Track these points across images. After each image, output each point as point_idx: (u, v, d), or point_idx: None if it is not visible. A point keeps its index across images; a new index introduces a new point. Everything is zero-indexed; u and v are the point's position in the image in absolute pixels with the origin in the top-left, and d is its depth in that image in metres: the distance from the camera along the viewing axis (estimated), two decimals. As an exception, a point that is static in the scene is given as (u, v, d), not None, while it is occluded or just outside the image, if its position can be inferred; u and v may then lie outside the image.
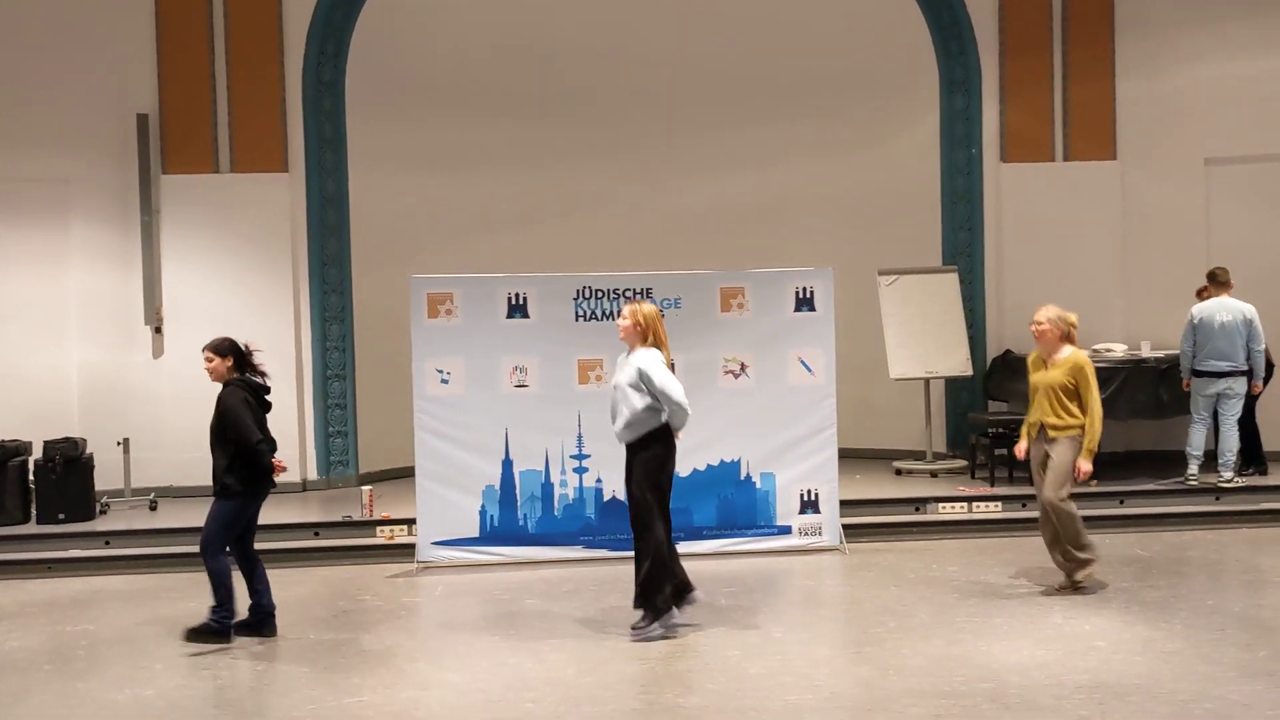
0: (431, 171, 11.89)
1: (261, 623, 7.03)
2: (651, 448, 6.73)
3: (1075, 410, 7.39)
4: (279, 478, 7.07)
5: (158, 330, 10.92)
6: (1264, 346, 9.82)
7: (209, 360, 7.00)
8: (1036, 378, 7.58)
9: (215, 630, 6.87)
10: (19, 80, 10.80)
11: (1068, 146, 11.50)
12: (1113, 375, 10.03)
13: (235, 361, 7.01)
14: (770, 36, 11.94)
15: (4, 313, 10.87)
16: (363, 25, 11.31)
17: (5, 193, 10.80)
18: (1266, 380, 10.02)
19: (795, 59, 11.97)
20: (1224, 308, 9.84)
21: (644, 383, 6.66)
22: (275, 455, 6.97)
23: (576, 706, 5.66)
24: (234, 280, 11.03)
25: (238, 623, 6.96)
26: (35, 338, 10.91)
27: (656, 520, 6.72)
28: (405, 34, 11.51)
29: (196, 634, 6.85)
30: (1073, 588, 7.49)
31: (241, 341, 7.12)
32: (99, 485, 10.16)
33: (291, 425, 11.05)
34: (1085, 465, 7.37)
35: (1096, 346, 10.81)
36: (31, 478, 9.83)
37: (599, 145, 12.14)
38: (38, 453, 9.90)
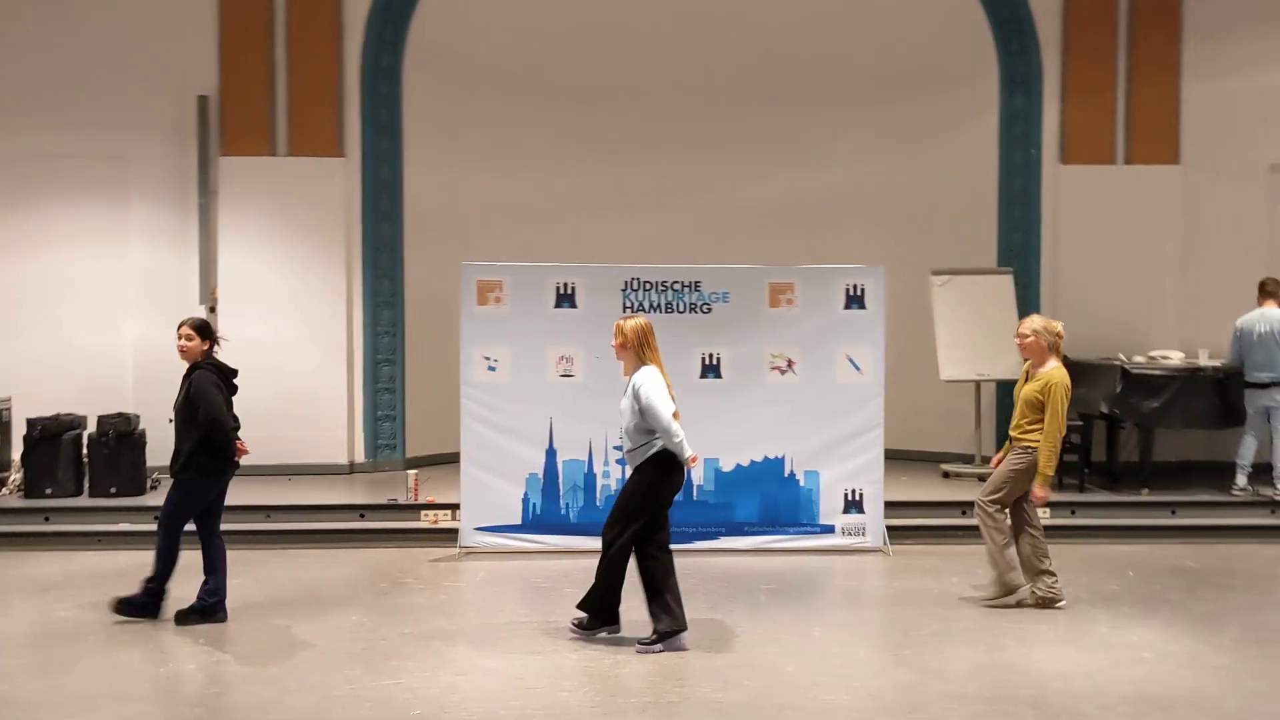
0: (485, 160, 11.94)
1: (208, 609, 6.95)
2: (644, 471, 6.49)
3: (1039, 428, 7.19)
4: (244, 455, 7.07)
5: (211, 310, 11.05)
6: None
7: (189, 339, 7.00)
8: (1018, 389, 7.44)
9: (141, 605, 6.92)
10: (84, 60, 10.99)
11: (1129, 149, 11.31)
12: (1168, 383, 9.85)
13: (211, 345, 7.06)
14: (828, 32, 11.85)
15: (63, 288, 11.08)
16: (421, 11, 11.37)
17: (67, 170, 11.00)
18: None
19: (853, 55, 11.87)
20: (1264, 318, 9.65)
21: (636, 401, 6.44)
22: (239, 439, 6.99)
23: (612, 697, 5.65)
24: (288, 263, 11.15)
25: (186, 610, 6.94)
26: (93, 314, 11.11)
27: (626, 535, 6.48)
28: (463, 21, 11.55)
29: (124, 606, 6.94)
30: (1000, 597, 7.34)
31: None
32: (150, 461, 10.30)
33: (341, 408, 11.19)
34: (1038, 491, 7.18)
35: (1152, 353, 10.64)
36: (85, 451, 9.99)
37: (654, 138, 12.12)
38: (92, 427, 10.06)
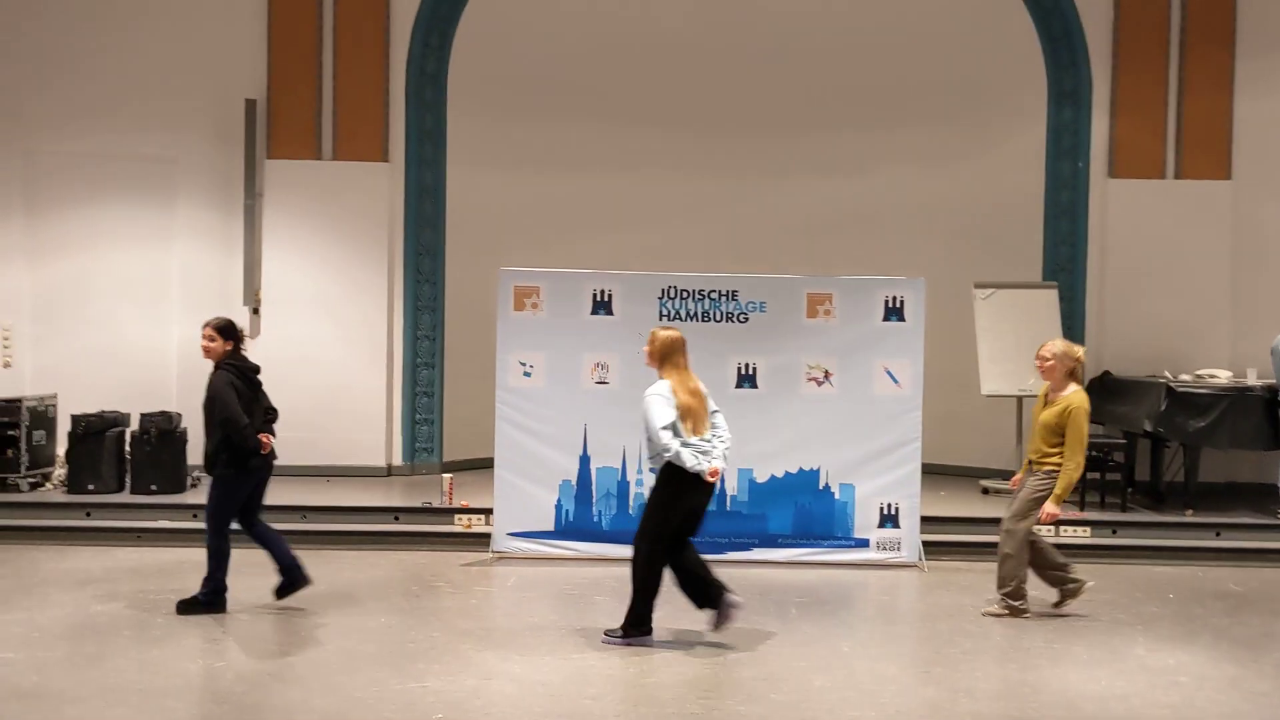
0: (527, 166, 11.98)
1: (295, 580, 7.20)
2: (660, 484, 6.55)
3: (1060, 452, 7.15)
4: (266, 452, 7.15)
5: (255, 311, 11.17)
6: None
7: (211, 340, 7.13)
8: (1036, 412, 7.39)
9: (202, 603, 7.10)
10: (134, 62, 11.16)
11: (1180, 163, 11.13)
12: (1215, 403, 9.66)
13: (234, 346, 7.15)
14: (874, 42, 11.78)
15: (109, 287, 11.25)
16: (467, 19, 11.44)
17: (116, 171, 11.18)
18: None
19: (898, 65, 11.78)
20: None
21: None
22: (268, 432, 7.12)
23: (635, 707, 5.62)
24: (331, 265, 11.26)
25: (279, 588, 7.19)
26: (138, 313, 11.27)
27: (641, 551, 6.55)
28: (509, 29, 11.61)
29: (187, 606, 7.10)
30: (1003, 610, 7.30)
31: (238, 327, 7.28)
32: (191, 459, 10.40)
33: (379, 411, 11.26)
34: (1050, 508, 7.12)
35: (1200, 372, 10.45)
36: (128, 448, 10.12)
37: (696, 147, 12.12)
38: (135, 425, 10.19)
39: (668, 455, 6.44)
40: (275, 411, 7.31)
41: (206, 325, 7.20)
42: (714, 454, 6.58)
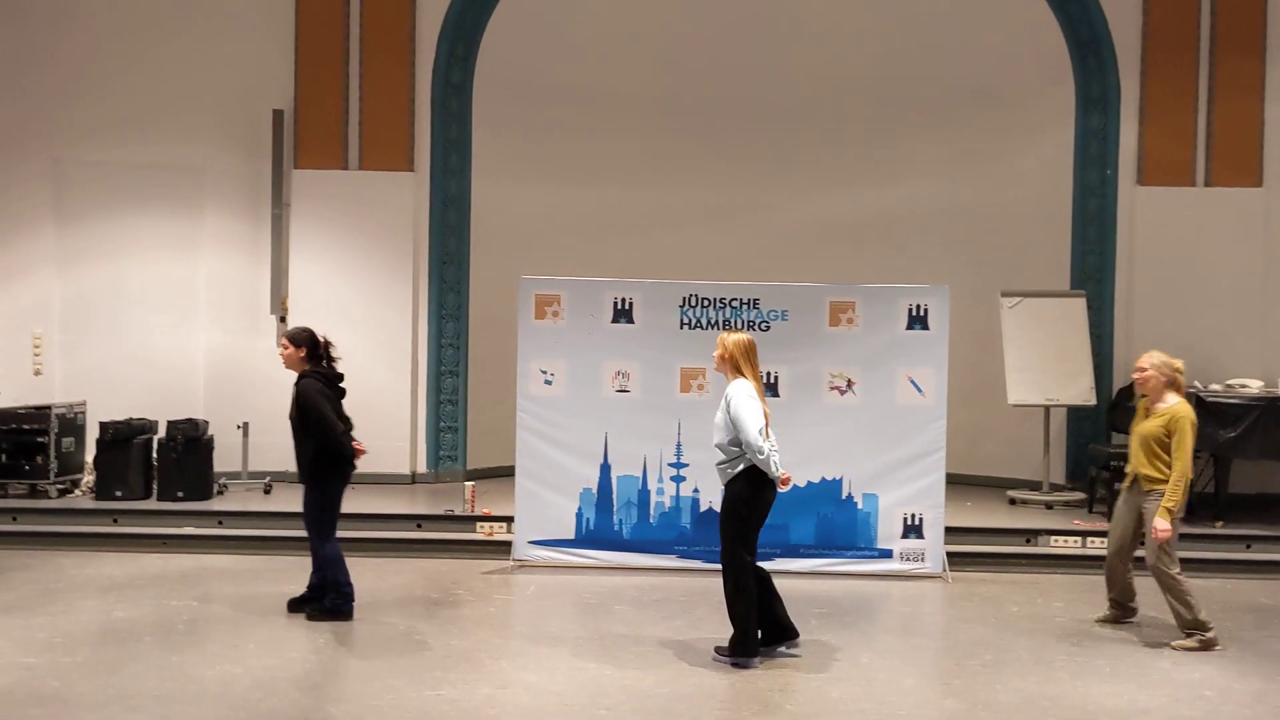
0: (552, 175, 12.00)
1: (313, 603, 7.30)
2: (734, 486, 6.47)
3: (1164, 463, 7.02)
4: (360, 461, 7.29)
5: (282, 319, 11.24)
6: None
7: (285, 348, 7.30)
8: (1135, 425, 7.26)
9: (333, 611, 7.21)
10: (163, 74, 11.27)
11: (1209, 171, 10.99)
12: (1245, 413, 9.53)
13: (309, 352, 7.25)
14: (901, 49, 11.73)
15: (138, 295, 11.35)
16: (492, 29, 11.49)
17: (145, 180, 11.28)
18: None
19: (926, 72, 11.72)
20: None
21: (727, 412, 6.43)
22: (354, 439, 7.24)
23: (649, 717, 5.59)
24: (357, 274, 11.32)
25: (295, 600, 7.32)
26: (166, 321, 11.37)
27: (734, 560, 6.45)
28: (532, 38, 11.64)
29: (318, 614, 7.21)
30: (1193, 644, 6.98)
31: (320, 336, 7.36)
32: (219, 466, 10.52)
33: (404, 419, 11.30)
34: (1161, 524, 6.92)
35: (1230, 382, 10.30)
36: (155, 456, 10.21)
37: (721, 154, 12.10)
38: (162, 432, 10.28)
39: (759, 458, 6.36)
40: (350, 421, 7.34)
41: (282, 336, 7.42)
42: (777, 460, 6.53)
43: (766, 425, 6.47)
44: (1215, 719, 5.73)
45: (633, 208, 12.09)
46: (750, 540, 6.49)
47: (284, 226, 11.30)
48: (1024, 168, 11.62)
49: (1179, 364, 7.14)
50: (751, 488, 6.44)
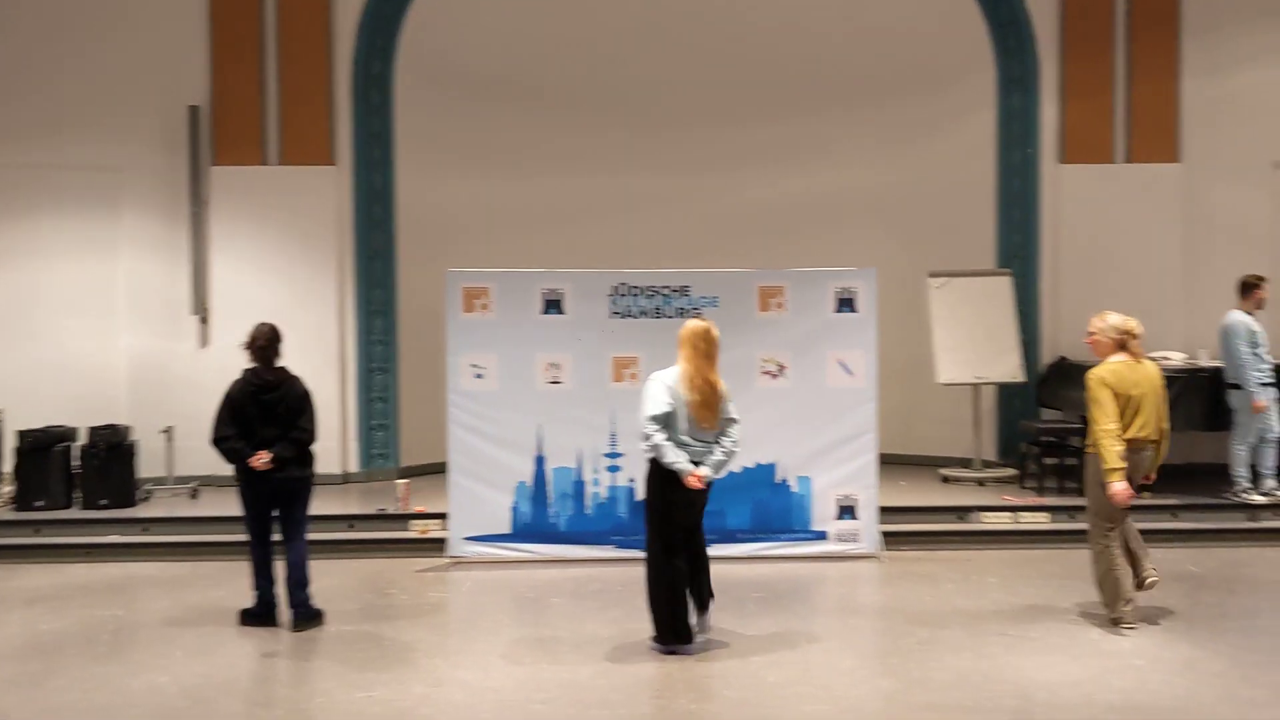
0: (478, 167, 11.87)
1: (259, 616, 7.11)
2: (648, 481, 6.47)
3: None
4: (257, 466, 6.98)
5: (204, 320, 11.01)
6: (1240, 360, 9.29)
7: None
8: None
9: (246, 614, 7.13)
10: (75, 70, 10.95)
11: (1129, 148, 11.15)
12: (1169, 385, 9.63)
13: (251, 355, 7.08)
14: (822, 33, 11.73)
15: (55, 300, 11.03)
16: (412, 19, 11.31)
17: (58, 180, 10.96)
18: None
19: (846, 55, 11.74)
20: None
21: None
22: (268, 448, 6.98)
23: (586, 710, 5.55)
24: (280, 272, 11.09)
25: (243, 610, 7.14)
26: (84, 325, 11.05)
27: (647, 548, 6.47)
28: (454, 28, 11.49)
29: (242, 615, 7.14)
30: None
31: (256, 336, 7.19)
32: (145, 472, 10.29)
33: (334, 418, 11.07)
34: (1111, 488, 6.77)
35: (1154, 355, 10.44)
36: (76, 463, 9.94)
37: (646, 142, 12.04)
38: (83, 439, 10.02)
39: (641, 445, 6.31)
40: (306, 430, 7.09)
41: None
42: (709, 459, 6.36)
43: (700, 419, 6.31)
44: (1145, 687, 5.81)
45: (561, 197, 11.99)
46: (666, 531, 6.40)
47: (203, 225, 11.04)
48: (948, 149, 11.71)
49: (1131, 325, 6.98)
50: (659, 478, 6.36)
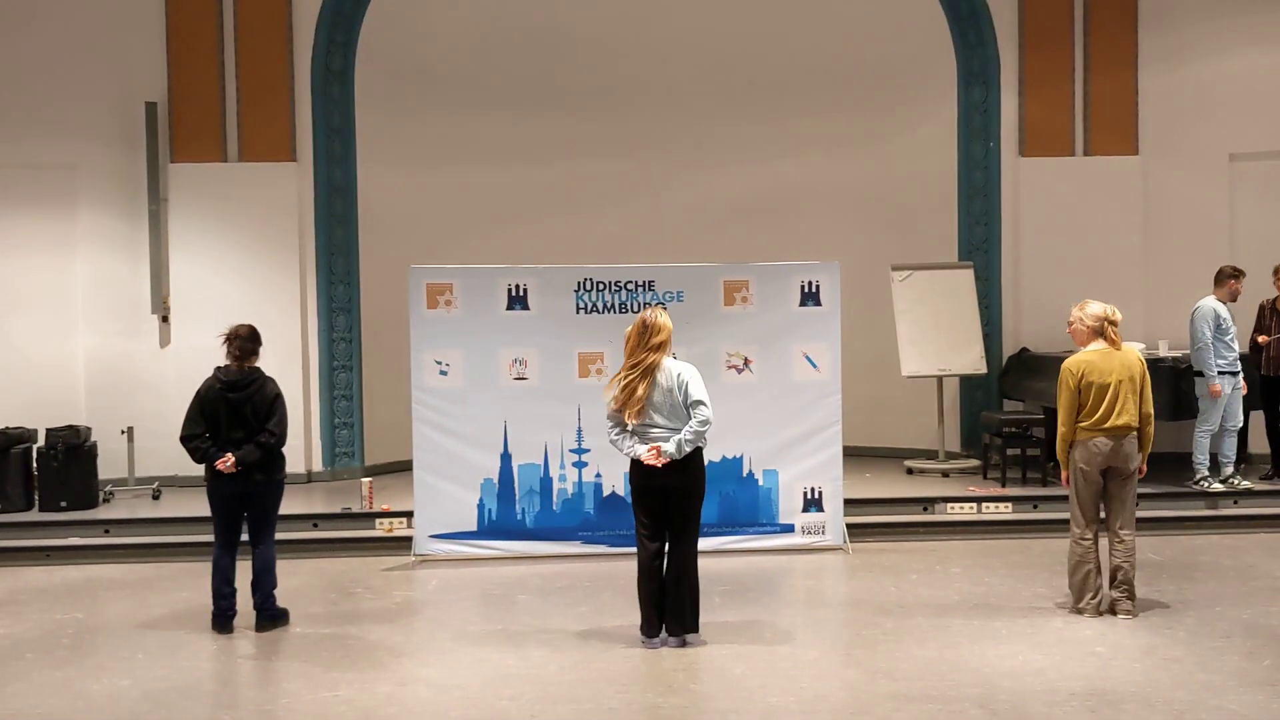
0: (441, 162, 11.81)
1: (217, 619, 6.96)
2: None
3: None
4: (222, 469, 6.88)
5: (164, 319, 10.90)
6: (1200, 344, 9.36)
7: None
8: None
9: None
10: (29, 66, 10.80)
11: (1088, 141, 11.26)
12: (1128, 375, 9.76)
13: (226, 351, 6.99)
14: (782, 27, 11.78)
15: (11, 300, 10.87)
16: (373, 14, 11.23)
17: (13, 179, 10.80)
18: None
19: (808, 50, 11.79)
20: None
21: None
22: (235, 449, 6.89)
23: (552, 705, 5.54)
24: (241, 269, 10.99)
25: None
26: (42, 325, 10.89)
27: (638, 535, 6.54)
28: (415, 23, 11.42)
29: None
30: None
31: (230, 334, 7.11)
32: (105, 474, 10.16)
33: (297, 416, 10.92)
34: (1064, 474, 7.06)
35: (1114, 345, 10.56)
36: (35, 465, 9.82)
37: (609, 138, 12.02)
38: (41, 440, 9.89)
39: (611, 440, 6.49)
40: (273, 434, 6.97)
41: None
42: (675, 439, 6.27)
43: (632, 409, 6.28)
44: (1106, 674, 5.87)
45: (525, 192, 11.95)
46: (640, 519, 6.49)
47: (162, 222, 10.91)
48: (910, 142, 11.77)
49: (1108, 312, 6.92)
50: (630, 468, 6.51)
